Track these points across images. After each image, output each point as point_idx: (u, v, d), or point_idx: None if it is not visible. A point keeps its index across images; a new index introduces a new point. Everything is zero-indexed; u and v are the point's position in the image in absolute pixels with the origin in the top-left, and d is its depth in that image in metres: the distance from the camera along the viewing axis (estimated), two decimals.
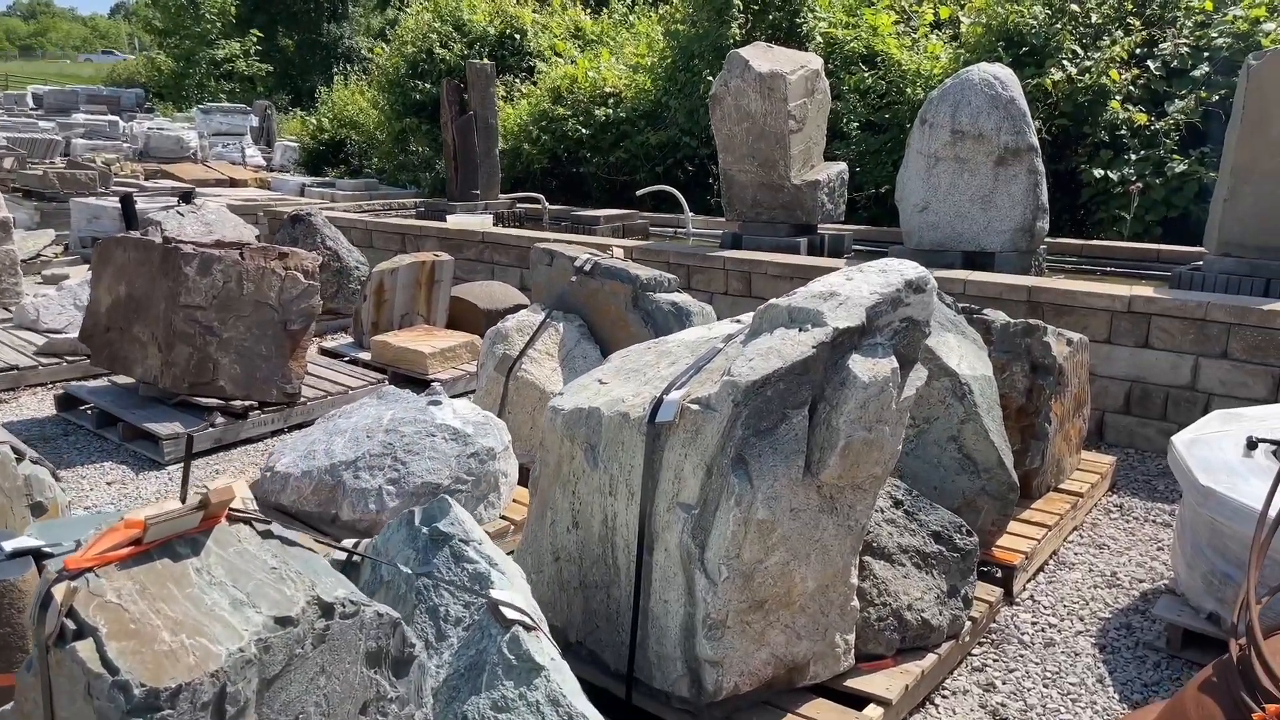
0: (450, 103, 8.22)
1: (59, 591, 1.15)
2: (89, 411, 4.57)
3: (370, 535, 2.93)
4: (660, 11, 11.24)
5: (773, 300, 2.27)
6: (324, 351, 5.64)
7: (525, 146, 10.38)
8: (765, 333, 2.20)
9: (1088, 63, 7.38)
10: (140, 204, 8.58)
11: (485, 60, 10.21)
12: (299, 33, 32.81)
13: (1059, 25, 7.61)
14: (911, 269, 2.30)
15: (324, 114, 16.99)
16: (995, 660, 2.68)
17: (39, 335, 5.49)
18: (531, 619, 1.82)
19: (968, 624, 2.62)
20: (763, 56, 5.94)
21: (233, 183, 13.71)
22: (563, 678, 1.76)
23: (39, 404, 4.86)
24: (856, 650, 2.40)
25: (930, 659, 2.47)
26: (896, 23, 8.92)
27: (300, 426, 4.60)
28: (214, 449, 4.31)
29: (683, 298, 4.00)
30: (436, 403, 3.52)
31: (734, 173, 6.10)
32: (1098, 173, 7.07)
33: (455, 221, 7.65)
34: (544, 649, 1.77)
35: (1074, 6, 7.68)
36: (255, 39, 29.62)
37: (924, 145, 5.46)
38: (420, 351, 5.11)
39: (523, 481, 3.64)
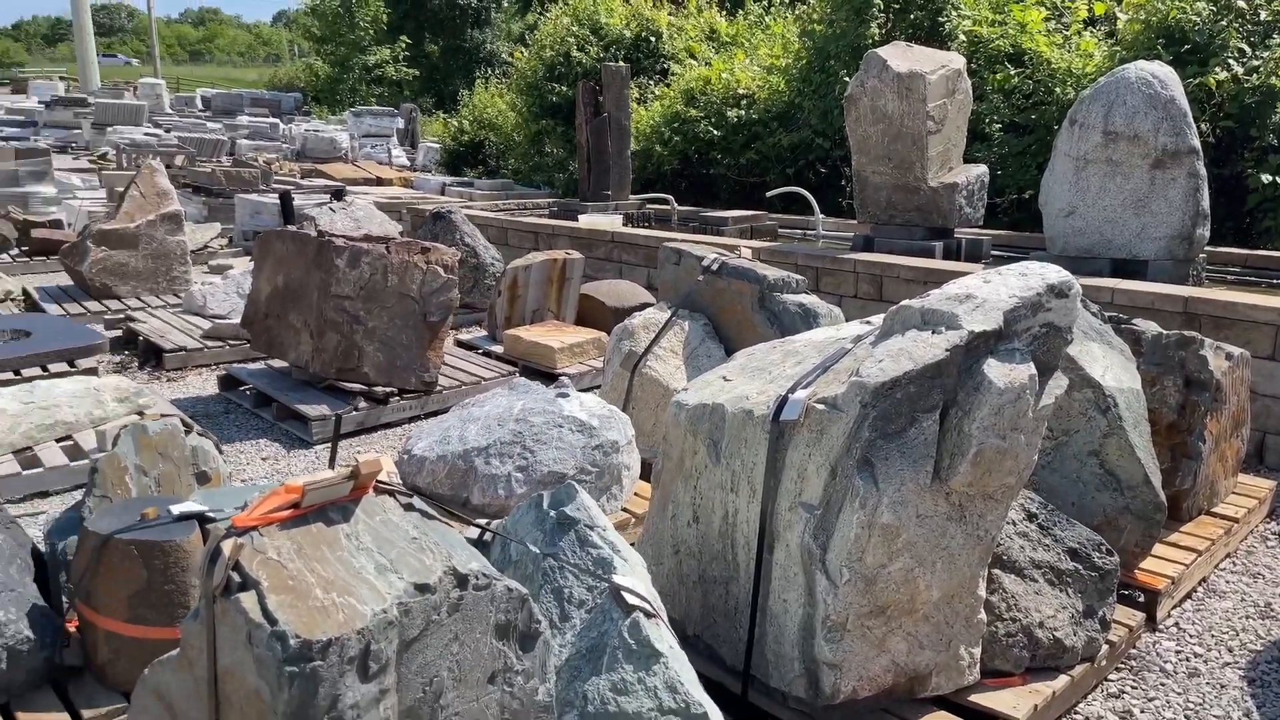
0: (585, 105, 8.40)
1: (227, 547, 1.27)
2: (247, 392, 4.90)
3: (498, 519, 3.04)
4: (797, 12, 11.13)
5: (905, 301, 2.23)
6: (459, 343, 5.86)
7: (656, 148, 10.49)
8: (896, 334, 2.17)
9: (1255, 62, 6.87)
10: (297, 200, 9.16)
11: (620, 63, 10.36)
12: (444, 38, 34.16)
13: (1224, 22, 7.12)
14: (1054, 272, 2.22)
15: (465, 116, 17.62)
16: (1134, 688, 2.54)
17: (205, 320, 5.94)
18: (652, 606, 1.86)
19: (1104, 647, 2.50)
20: (901, 56, 5.81)
21: (379, 181, 14.42)
22: (680, 666, 1.79)
23: (204, 383, 5.25)
24: (982, 665, 2.33)
25: (1062, 680, 2.37)
26: (1047, 19, 8.54)
27: (436, 414, 4.80)
28: (356, 432, 4.56)
29: (810, 299, 3.97)
30: (564, 395, 3.61)
31: (867, 174, 5.99)
32: (1265, 178, 6.57)
33: (586, 221, 7.80)
34: (663, 636, 1.80)
35: (1241, 3, 7.16)
36: (404, 45, 30.99)
37: (1072, 147, 5.22)
38: (549, 346, 5.24)
39: (644, 476, 3.70)
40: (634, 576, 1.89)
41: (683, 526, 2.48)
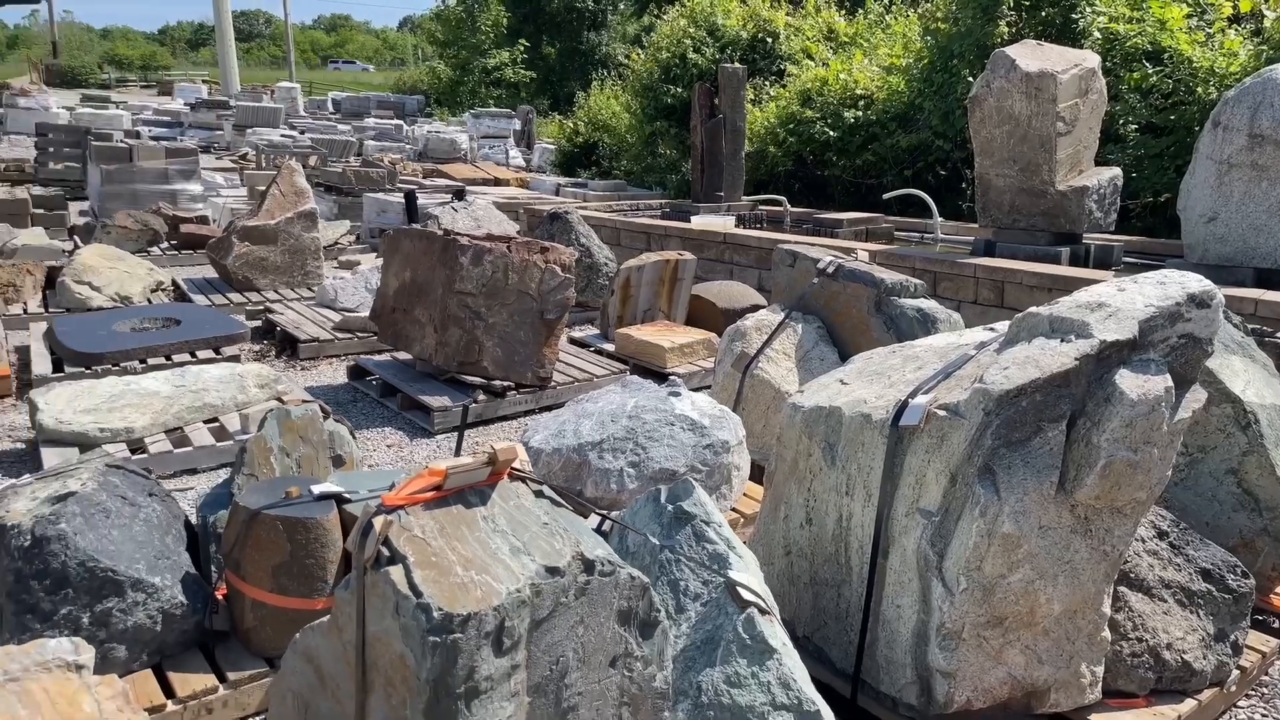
0: (701, 106, 8.44)
1: (377, 523, 1.37)
2: (374, 382, 5.15)
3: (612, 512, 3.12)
4: (920, 10, 10.89)
5: (1032, 309, 2.19)
6: (572, 341, 6.00)
7: (770, 149, 10.45)
8: (1023, 341, 2.13)
9: None
10: (420, 200, 9.52)
11: (737, 64, 10.37)
12: (561, 41, 34.80)
13: None
14: (1195, 281, 2.14)
15: (580, 118, 17.93)
16: (1265, 716, 2.42)
17: (336, 313, 6.25)
18: (765, 604, 1.89)
19: (1235, 673, 2.39)
20: (1031, 55, 5.63)
21: (496, 182, 14.83)
22: (794, 663, 1.81)
23: (334, 372, 5.54)
24: (1105, 685, 2.26)
25: (1189, 704, 2.28)
26: (1188, 16, 8.10)
27: (550, 408, 4.93)
28: (475, 423, 4.73)
29: (929, 304, 3.91)
30: (676, 394, 3.67)
31: (991, 177, 5.83)
32: None
33: (698, 222, 7.85)
34: (777, 633, 1.83)
35: None
36: (523, 48, 31.71)
37: (1215, 150, 4.95)
38: (660, 346, 5.31)
39: (754, 477, 3.72)
40: (748, 573, 1.93)
41: (795, 528, 2.49)
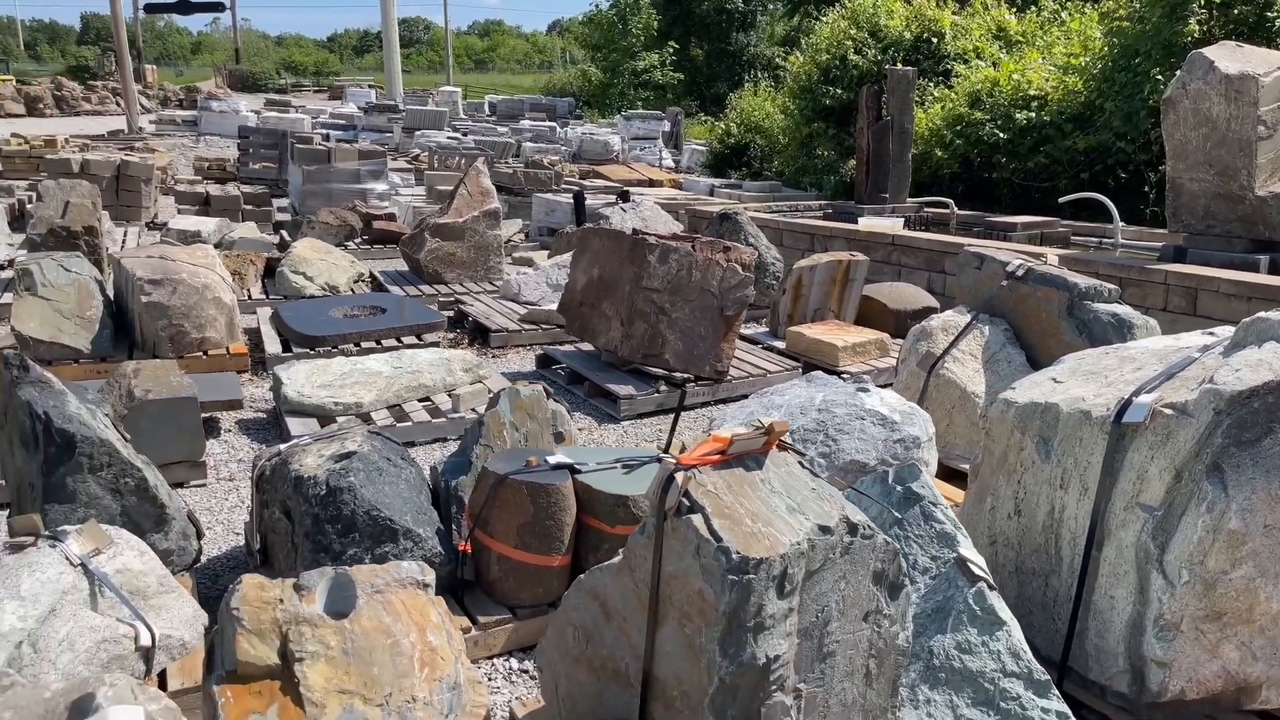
0: (868, 108, 8.47)
1: (679, 478, 1.60)
2: (561, 370, 5.50)
3: None
4: (1100, 7, 10.50)
5: (1261, 314, 2.24)
6: (742, 338, 6.19)
7: (936, 151, 10.32)
8: (1251, 346, 2.18)
9: None
10: (586, 200, 9.93)
11: (900, 65, 10.30)
12: (709, 42, 35.06)
13: None
14: None
15: (731, 119, 18.10)
16: None
17: (519, 305, 6.68)
18: (991, 581, 2.03)
19: None
20: (1230, 57, 5.43)
21: (650, 183, 15.18)
22: (1021, 636, 1.95)
23: (521, 360, 5.94)
24: None
25: None
26: None
27: (724, 401, 5.15)
28: (655, 412, 5.00)
29: (1124, 309, 3.89)
30: (865, 390, 3.80)
31: (1184, 181, 5.65)
32: None
33: (866, 224, 7.90)
34: (1005, 608, 1.97)
35: None
36: (672, 50, 32.14)
37: None
38: (833, 344, 5.44)
39: (939, 475, 3.81)
40: (974, 552, 2.07)
41: (1002, 519, 2.60)
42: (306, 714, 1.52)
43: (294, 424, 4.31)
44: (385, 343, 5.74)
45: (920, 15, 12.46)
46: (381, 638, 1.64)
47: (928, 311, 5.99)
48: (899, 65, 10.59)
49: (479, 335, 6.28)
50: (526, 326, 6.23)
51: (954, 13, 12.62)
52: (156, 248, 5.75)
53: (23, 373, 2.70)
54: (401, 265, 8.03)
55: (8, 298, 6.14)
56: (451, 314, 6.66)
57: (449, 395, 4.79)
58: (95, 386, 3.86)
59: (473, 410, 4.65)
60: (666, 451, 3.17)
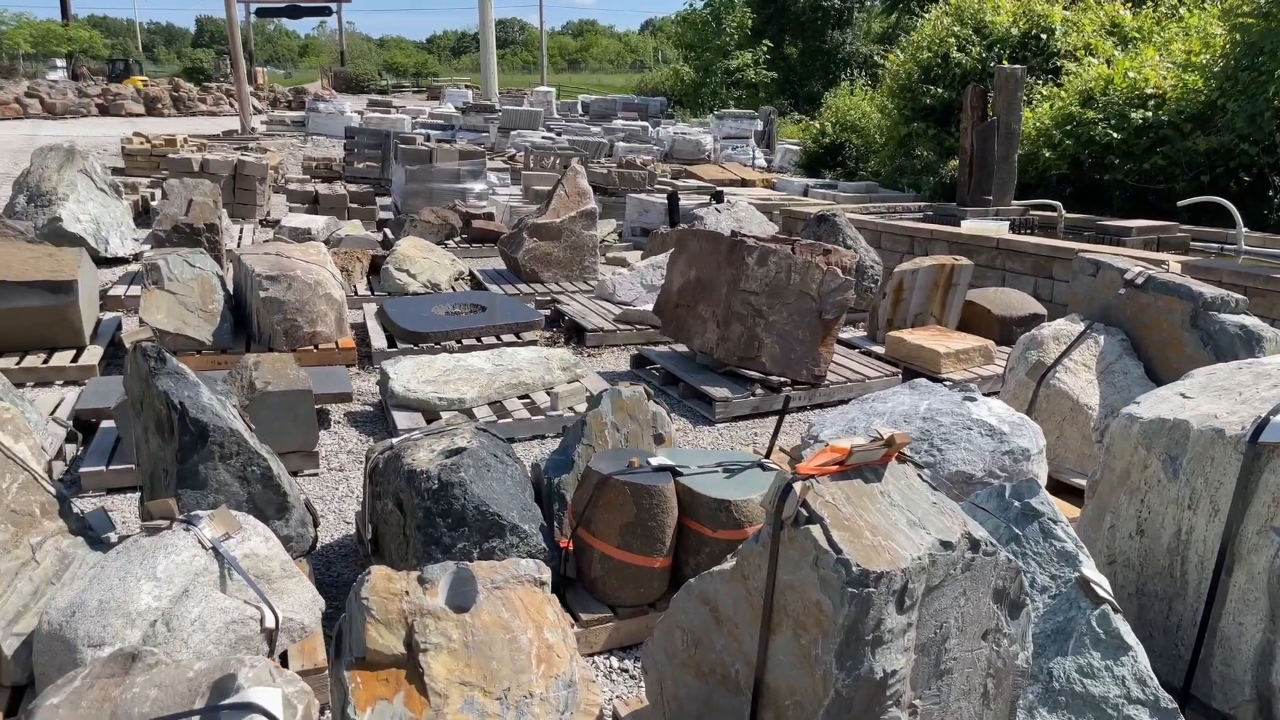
0: (973, 108, 8.25)
1: (797, 487, 1.60)
2: (655, 371, 5.53)
3: None
4: (1224, 4, 9.98)
5: None
6: (839, 342, 6.11)
7: (1044, 152, 9.98)
8: None
9: None
10: (680, 201, 9.94)
11: (1007, 63, 9.99)
12: (804, 40, 34.66)
13: None
14: None
15: (826, 118, 17.86)
16: None
17: (614, 305, 6.74)
18: (1116, 604, 1.96)
19: None
20: None
21: (743, 183, 15.10)
22: (1147, 662, 1.88)
23: (616, 360, 6.00)
24: None
25: None
26: None
27: (821, 406, 5.10)
28: (751, 416, 4.98)
29: (1252, 321, 3.70)
30: (972, 399, 3.71)
31: None
32: None
33: (969, 226, 7.69)
34: (1130, 632, 1.90)
35: None
36: (765, 49, 31.90)
37: None
38: (935, 350, 5.32)
39: (1048, 488, 3.69)
40: (1097, 573, 2.00)
41: (1123, 538, 2.51)
42: (430, 703, 1.57)
43: (400, 417, 4.45)
44: (485, 340, 5.87)
45: (1029, 11, 12.06)
46: (500, 633, 1.68)
47: (1035, 319, 5.80)
48: (1005, 63, 10.28)
49: (574, 334, 6.36)
50: (621, 327, 6.28)
51: (1065, 8, 12.17)
52: (273, 245, 6.01)
53: (160, 364, 2.86)
54: (499, 264, 8.19)
55: (135, 290, 6.51)
56: (548, 313, 6.76)
57: (547, 393, 4.86)
58: (219, 377, 4.06)
59: (570, 409, 4.72)
60: (768, 457, 3.16)
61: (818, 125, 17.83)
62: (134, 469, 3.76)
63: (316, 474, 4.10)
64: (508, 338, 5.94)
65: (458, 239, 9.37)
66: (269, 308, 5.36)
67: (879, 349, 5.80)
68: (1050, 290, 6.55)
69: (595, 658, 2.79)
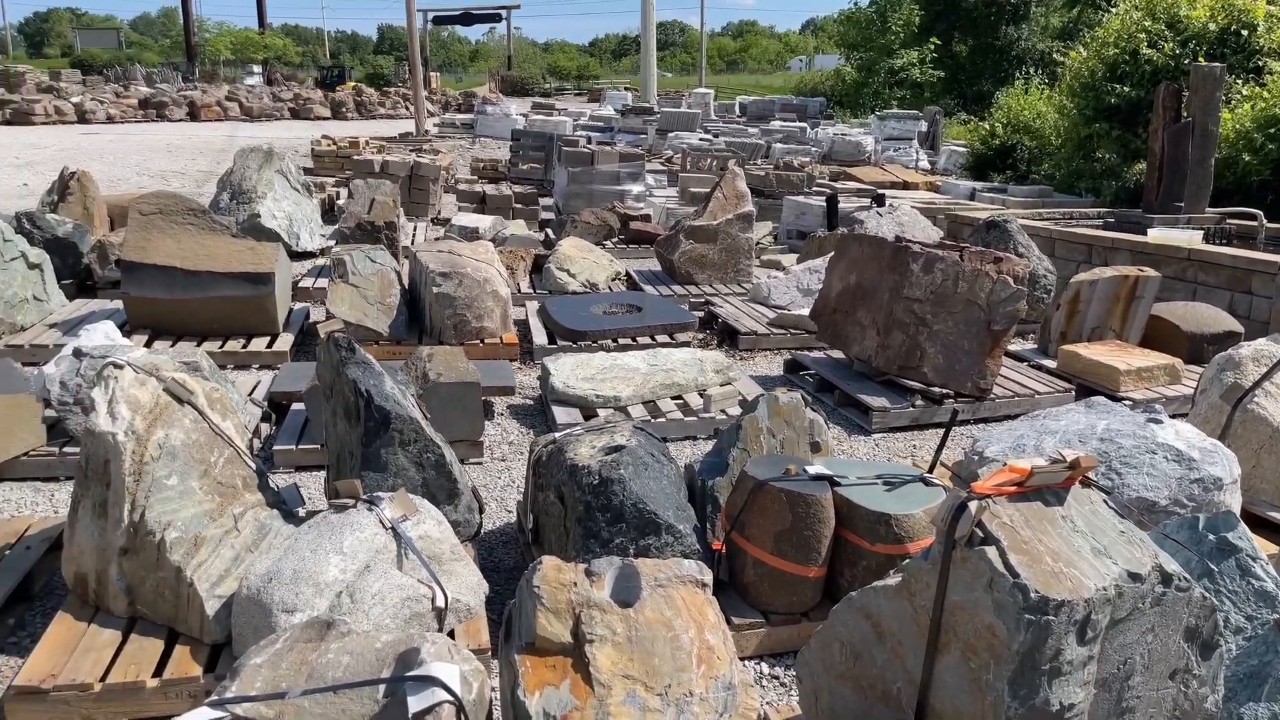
0: (1165, 108, 7.69)
1: (973, 506, 1.56)
2: (808, 377, 5.47)
3: None
4: None
5: None
6: (1006, 354, 5.85)
7: (1244, 156, 9.17)
8: None
9: None
10: (839, 203, 9.76)
11: (1203, 61, 9.25)
12: (974, 37, 33.25)
13: None
14: None
15: (997, 119, 17.08)
16: None
17: (768, 309, 6.70)
18: None
19: None
20: None
21: (905, 185, 14.66)
22: None
23: (769, 364, 5.96)
24: None
25: None
26: None
27: (986, 420, 4.90)
28: (910, 427, 4.84)
29: None
30: (1157, 421, 3.47)
31: None
32: None
33: (1156, 235, 7.18)
34: None
35: None
36: (933, 47, 30.81)
37: None
38: (1114, 367, 5.01)
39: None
40: None
41: None
42: (594, 693, 1.63)
43: (560, 412, 4.59)
44: (640, 340, 5.97)
45: (1229, 5, 11.11)
46: (662, 630, 1.72)
47: (1230, 337, 5.36)
48: (1201, 60, 9.52)
49: (727, 337, 6.37)
50: (775, 331, 6.24)
51: (1269, 2, 11.15)
52: (445, 243, 6.33)
53: (349, 354, 3.08)
54: (655, 265, 8.30)
55: (321, 282, 7.01)
56: (701, 315, 6.79)
57: (700, 395, 4.90)
58: (397, 367, 4.32)
59: (723, 412, 4.73)
60: (931, 472, 3.07)
61: (987, 126, 17.06)
62: (320, 449, 4.06)
63: (480, 463, 4.29)
64: (662, 338, 6.02)
65: (615, 240, 9.55)
66: (441, 303, 5.65)
67: (1050, 363, 5.51)
68: (1248, 306, 6.03)
69: (746, 663, 2.80)
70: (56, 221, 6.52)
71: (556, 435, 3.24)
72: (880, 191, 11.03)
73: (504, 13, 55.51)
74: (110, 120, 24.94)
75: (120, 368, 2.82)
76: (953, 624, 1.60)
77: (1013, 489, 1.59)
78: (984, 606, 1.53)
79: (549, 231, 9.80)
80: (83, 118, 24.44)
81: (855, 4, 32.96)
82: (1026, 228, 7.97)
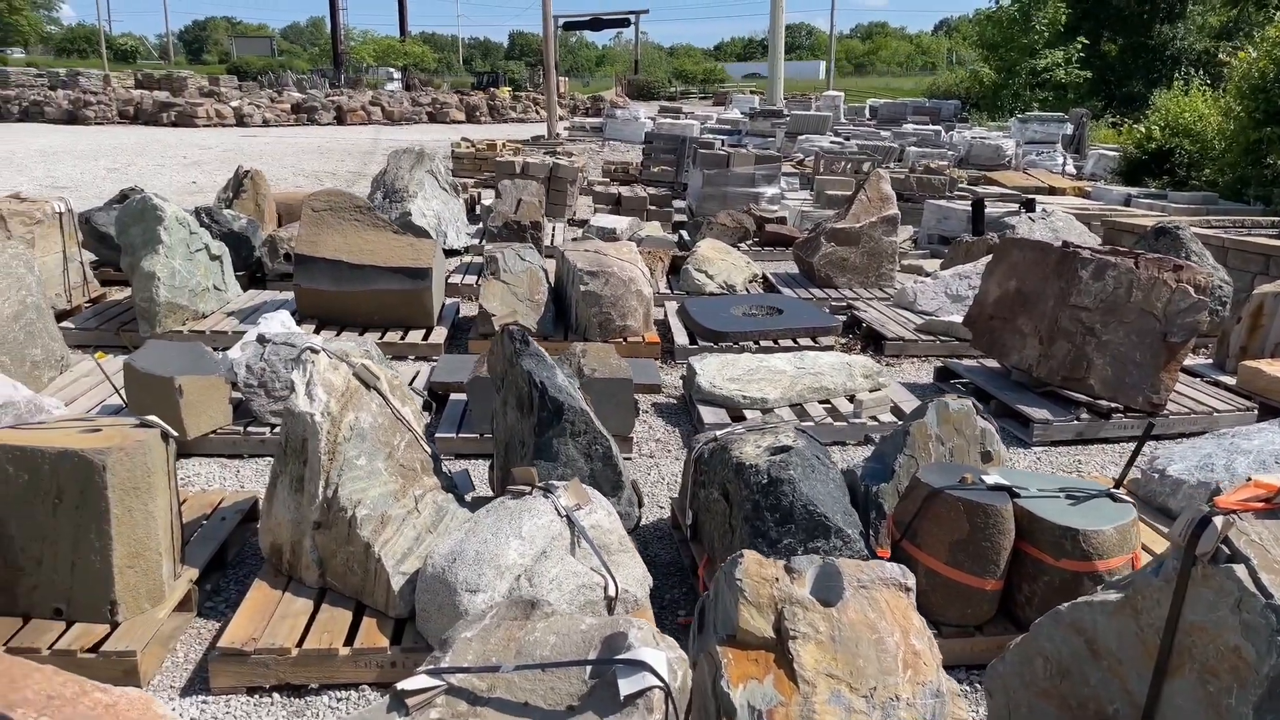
0: None
1: (1218, 522, 1.47)
2: (960, 385, 5.29)
3: None
4: None
5: None
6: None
7: None
8: None
9: None
10: (986, 208, 9.42)
11: None
12: (1124, 36, 31.55)
13: None
14: None
15: (1154, 121, 16.15)
16: None
17: (914, 315, 6.53)
18: None
19: None
20: None
21: (1050, 190, 14.04)
22: None
23: (917, 371, 5.81)
24: None
25: None
26: None
27: (1157, 438, 4.63)
28: (1073, 441, 4.62)
29: None
30: None
31: None
32: None
33: None
34: None
35: None
36: (1079, 47, 29.40)
37: None
38: None
39: None
40: None
41: None
42: (799, 690, 1.62)
43: (705, 412, 4.60)
44: (781, 343, 5.91)
45: None
46: (866, 632, 1.70)
47: None
48: None
49: (871, 342, 6.24)
50: (923, 337, 6.07)
51: None
52: (591, 243, 6.44)
53: (524, 346, 3.17)
54: (792, 267, 8.22)
55: (469, 279, 7.25)
56: (844, 318, 6.68)
57: (849, 399, 4.82)
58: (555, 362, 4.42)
59: (873, 418, 4.64)
60: (1119, 487, 2.93)
61: (1143, 129, 16.16)
62: (480, 438, 4.20)
63: (630, 459, 4.34)
64: (804, 342, 5.95)
65: (750, 242, 9.51)
66: (587, 301, 5.75)
67: (1228, 379, 5.17)
68: None
69: None
70: (232, 216, 6.97)
71: (718, 434, 3.25)
72: (1028, 196, 10.59)
73: (632, 17, 56.14)
74: (265, 124, 26.51)
75: (316, 353, 2.99)
76: (1188, 645, 1.52)
77: (1260, 505, 1.49)
78: (1229, 627, 1.44)
79: (683, 233, 9.85)
80: (241, 121, 26.07)
81: (997, 2, 31.73)
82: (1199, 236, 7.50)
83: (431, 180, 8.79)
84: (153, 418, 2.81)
